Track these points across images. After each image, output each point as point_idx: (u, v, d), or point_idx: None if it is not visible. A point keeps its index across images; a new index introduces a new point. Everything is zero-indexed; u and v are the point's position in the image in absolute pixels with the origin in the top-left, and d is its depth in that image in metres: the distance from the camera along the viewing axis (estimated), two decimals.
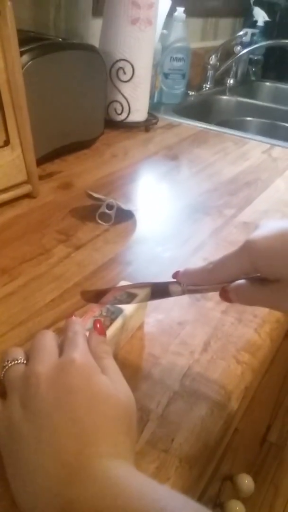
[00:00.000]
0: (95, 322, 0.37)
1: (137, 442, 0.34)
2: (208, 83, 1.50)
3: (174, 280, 0.39)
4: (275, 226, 0.33)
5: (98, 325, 0.37)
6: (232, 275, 0.35)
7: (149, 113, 1.09)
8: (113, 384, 0.32)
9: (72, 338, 0.34)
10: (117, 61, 0.97)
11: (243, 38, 1.55)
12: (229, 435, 0.48)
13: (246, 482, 0.70)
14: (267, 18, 1.65)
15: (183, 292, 0.39)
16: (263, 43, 1.56)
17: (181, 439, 0.35)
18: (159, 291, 0.40)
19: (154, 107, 1.19)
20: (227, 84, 1.57)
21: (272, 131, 1.30)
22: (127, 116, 1.02)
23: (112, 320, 0.40)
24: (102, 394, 0.30)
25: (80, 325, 0.37)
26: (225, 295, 0.36)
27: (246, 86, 1.65)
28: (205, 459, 0.34)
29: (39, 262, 0.54)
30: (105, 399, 0.30)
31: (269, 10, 1.67)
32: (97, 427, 0.28)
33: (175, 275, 0.39)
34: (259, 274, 0.34)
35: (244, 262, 0.33)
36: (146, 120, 1.07)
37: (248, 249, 0.33)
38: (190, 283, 0.38)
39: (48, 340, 0.34)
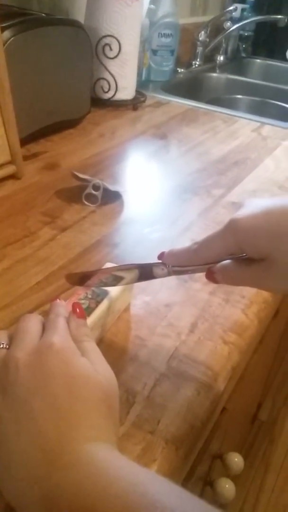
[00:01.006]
0: (73, 305, 0.36)
1: (123, 424, 0.34)
2: (198, 60, 1.47)
3: (160, 261, 0.38)
4: (259, 204, 0.32)
5: (77, 309, 0.36)
6: (217, 254, 0.35)
7: (137, 91, 1.07)
8: (94, 366, 0.31)
9: (53, 321, 0.33)
10: (103, 37, 0.94)
11: (233, 13, 1.51)
12: (216, 415, 0.48)
13: (236, 460, 0.70)
14: None
15: (168, 273, 0.38)
16: (253, 18, 1.53)
17: (167, 420, 0.34)
18: (145, 272, 0.40)
19: (142, 85, 1.17)
20: (217, 61, 1.54)
21: (262, 109, 1.28)
22: (114, 94, 1.00)
23: (97, 303, 0.40)
24: (81, 378, 0.30)
25: (63, 308, 0.36)
26: (211, 276, 0.36)
27: (236, 63, 1.62)
28: (191, 440, 0.34)
29: (24, 245, 0.53)
30: (84, 383, 0.30)
31: None
32: (76, 411, 0.28)
33: (160, 256, 0.38)
34: (244, 254, 0.34)
35: (228, 241, 0.33)
36: (134, 98, 1.05)
37: (233, 228, 0.32)
38: (176, 264, 0.37)
39: (32, 324, 0.34)
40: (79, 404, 0.28)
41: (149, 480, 0.25)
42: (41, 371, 0.29)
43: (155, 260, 0.39)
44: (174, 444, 0.33)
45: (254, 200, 0.33)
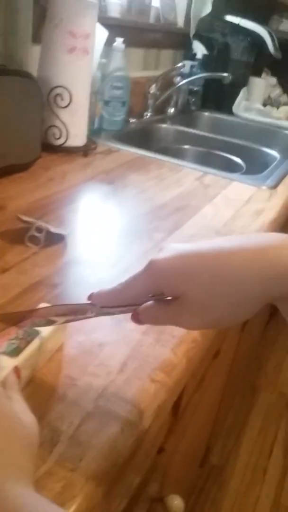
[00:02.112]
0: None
1: (45, 463, 0.34)
2: (149, 111, 1.55)
3: (89, 302, 0.40)
4: (175, 248, 0.36)
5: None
6: (139, 293, 0.37)
7: (89, 139, 1.11)
8: (18, 409, 0.32)
9: None
10: (54, 87, 0.99)
11: (183, 69, 1.62)
12: (151, 453, 0.49)
13: (176, 503, 0.70)
14: (205, 52, 1.74)
15: (97, 314, 0.40)
16: (201, 74, 1.64)
17: (89, 458, 0.35)
18: (75, 312, 0.41)
19: (95, 133, 1.22)
20: (168, 113, 1.63)
21: (207, 159, 1.35)
22: (65, 141, 1.04)
23: (28, 342, 0.41)
24: (7, 416, 0.31)
25: None
26: (136, 317, 0.38)
27: (185, 116, 1.71)
28: (112, 477, 0.35)
29: None
30: (9, 421, 0.31)
31: (207, 44, 1.76)
32: (1, 451, 0.29)
33: (90, 296, 0.40)
34: (163, 295, 0.36)
35: (147, 281, 0.36)
36: (85, 145, 1.09)
37: (151, 268, 0.35)
38: (103, 304, 0.39)
39: None
40: (4, 444, 0.29)
41: None
42: None
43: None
44: (94, 481, 0.34)
45: (172, 244, 0.37)
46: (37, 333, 0.42)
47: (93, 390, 0.42)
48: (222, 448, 1.58)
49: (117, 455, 0.36)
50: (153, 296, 0.38)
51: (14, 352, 0.39)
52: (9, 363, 0.38)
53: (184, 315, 0.35)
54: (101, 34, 1.09)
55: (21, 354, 0.39)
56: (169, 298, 0.37)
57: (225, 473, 1.50)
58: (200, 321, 0.36)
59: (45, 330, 0.43)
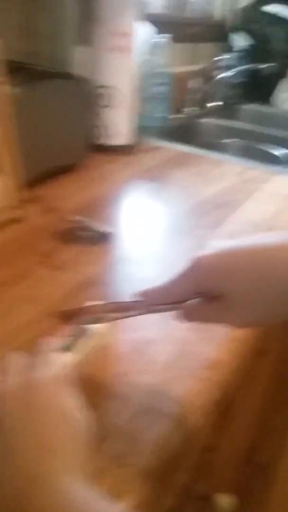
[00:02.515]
0: None
1: (97, 458, 0.36)
2: (189, 106, 1.54)
3: (136, 299, 0.41)
4: (217, 245, 0.36)
5: None
6: (184, 291, 0.38)
7: (131, 137, 1.12)
8: (75, 405, 0.33)
9: (38, 357, 0.36)
10: (99, 87, 1.00)
11: (223, 62, 1.60)
12: (196, 452, 0.50)
13: (225, 501, 0.71)
14: (245, 44, 1.71)
15: (145, 311, 0.41)
16: (242, 67, 1.62)
17: (140, 454, 0.36)
18: (123, 310, 0.43)
19: (138, 131, 1.23)
20: (208, 107, 1.61)
21: (249, 153, 1.34)
22: (109, 140, 1.05)
23: (81, 339, 0.43)
24: (65, 412, 0.32)
25: (47, 345, 0.39)
26: (181, 315, 0.39)
27: (226, 109, 1.69)
28: (163, 473, 0.36)
29: (18, 283, 0.56)
30: (67, 417, 0.32)
31: (246, 36, 1.73)
32: (54, 443, 0.30)
33: (138, 294, 0.41)
34: (208, 292, 0.37)
35: (190, 279, 0.36)
36: (128, 144, 1.10)
37: (194, 266, 0.36)
38: (151, 301, 0.40)
39: (17, 359, 0.36)
40: (59, 437, 0.30)
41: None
42: (25, 405, 0.31)
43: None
44: (145, 477, 0.35)
45: (214, 242, 0.37)
46: (89, 330, 0.44)
47: (142, 387, 0.43)
48: (268, 447, 1.56)
49: (167, 452, 0.37)
50: (198, 293, 0.39)
51: (69, 348, 0.41)
52: (64, 358, 0.40)
53: (229, 312, 0.36)
54: (143, 31, 1.09)
55: (75, 350, 0.41)
56: (214, 295, 0.37)
57: (270, 472, 1.48)
58: (245, 318, 0.36)
59: (96, 328, 0.44)
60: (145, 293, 0.40)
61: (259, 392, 1.02)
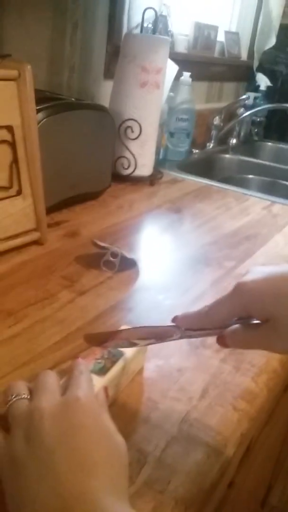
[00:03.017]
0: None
1: (134, 483, 0.34)
2: (212, 142, 1.57)
3: (173, 324, 0.41)
4: (262, 270, 0.36)
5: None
6: (226, 317, 0.37)
7: (155, 169, 1.14)
8: (112, 429, 0.33)
9: (77, 377, 0.36)
10: (126, 120, 1.03)
11: (246, 101, 1.64)
12: (225, 484, 0.48)
13: None
14: (269, 83, 1.76)
15: (181, 336, 0.40)
16: (265, 106, 1.65)
17: (177, 481, 0.35)
18: (158, 334, 0.42)
19: (160, 163, 1.25)
20: (230, 144, 1.64)
21: (272, 189, 1.35)
22: (134, 171, 1.07)
23: (113, 363, 0.42)
24: (106, 432, 0.32)
25: (85, 367, 0.38)
26: (222, 340, 0.38)
27: (248, 146, 1.72)
28: (200, 502, 0.35)
29: (44, 306, 0.56)
30: (108, 438, 0.32)
31: (271, 76, 1.78)
32: (97, 463, 0.29)
33: (174, 319, 0.40)
34: (251, 318, 0.36)
35: (235, 304, 0.36)
36: (151, 175, 1.12)
37: (239, 291, 0.35)
38: (188, 326, 0.40)
39: (51, 379, 0.36)
40: (100, 456, 0.30)
41: None
42: (67, 423, 0.31)
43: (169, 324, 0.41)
44: (183, 505, 0.34)
45: (257, 267, 0.37)
46: (121, 354, 0.43)
47: (176, 414, 0.42)
48: (283, 490, 1.50)
49: (204, 481, 0.36)
50: (239, 319, 0.38)
51: (101, 371, 0.40)
52: (97, 381, 0.39)
53: (275, 338, 0.35)
54: (171, 69, 1.13)
55: (108, 373, 0.40)
56: (257, 321, 0.36)
57: None
58: None
59: (128, 352, 0.43)
60: (183, 318, 0.40)
61: (280, 429, 0.99)
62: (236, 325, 0.37)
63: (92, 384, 0.37)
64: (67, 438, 0.30)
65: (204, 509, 0.36)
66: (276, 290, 0.34)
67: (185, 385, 0.46)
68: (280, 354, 0.49)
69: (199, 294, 0.64)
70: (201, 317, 0.39)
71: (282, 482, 1.51)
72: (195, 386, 0.46)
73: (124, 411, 0.41)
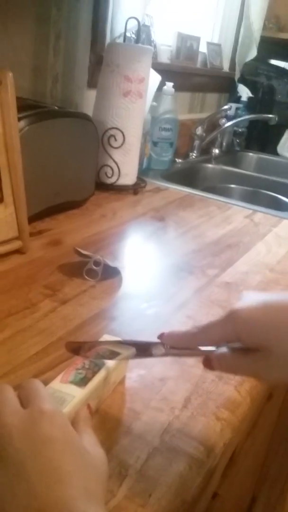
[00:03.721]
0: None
1: (115, 496, 0.34)
2: (195, 152, 1.58)
3: (158, 341, 0.40)
4: (257, 298, 0.35)
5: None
6: (215, 341, 0.37)
7: (138, 178, 1.14)
8: (87, 441, 0.33)
9: (36, 390, 0.35)
10: (109, 129, 1.03)
11: (228, 111, 1.66)
12: (208, 495, 0.47)
13: None
14: (250, 94, 1.78)
15: (166, 354, 0.40)
16: (246, 116, 1.67)
17: (159, 494, 0.34)
18: (142, 350, 0.41)
19: (143, 173, 1.25)
20: (213, 153, 1.65)
21: (254, 198, 1.36)
22: (117, 180, 1.07)
23: (94, 373, 0.41)
24: (77, 443, 0.32)
25: (39, 382, 0.37)
26: (208, 363, 0.38)
27: (230, 156, 1.74)
28: None
29: (25, 316, 0.55)
30: (79, 448, 0.31)
31: (252, 87, 1.80)
32: (69, 472, 0.29)
33: (160, 336, 0.40)
34: (240, 344, 0.36)
35: (228, 330, 0.35)
36: (135, 184, 1.12)
37: (233, 318, 0.35)
38: (174, 345, 0.39)
39: (10, 394, 0.35)
40: (73, 466, 0.29)
41: None
42: (36, 436, 0.30)
43: (152, 335, 0.40)
44: None
45: (251, 293, 0.37)
46: (103, 364, 0.42)
47: (158, 425, 0.41)
48: (267, 501, 1.50)
49: (186, 493, 0.35)
50: (228, 343, 0.38)
51: (82, 382, 0.40)
52: (78, 392, 0.38)
53: (268, 368, 0.35)
54: (153, 78, 1.13)
55: (88, 384, 0.39)
56: (250, 348, 0.36)
57: None
58: (284, 374, 0.35)
59: (110, 362, 0.43)
60: (170, 336, 0.39)
61: (262, 440, 0.99)
62: (224, 349, 0.37)
63: (52, 396, 0.36)
64: (37, 451, 0.29)
65: None
66: (270, 320, 0.34)
67: (167, 395, 0.45)
68: (270, 382, 0.49)
69: (182, 302, 0.64)
70: (189, 337, 0.38)
71: (266, 493, 1.51)
72: (178, 396, 0.45)
73: (106, 422, 0.41)
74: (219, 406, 0.44)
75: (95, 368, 0.42)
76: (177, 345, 0.39)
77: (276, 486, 1.54)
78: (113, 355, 0.43)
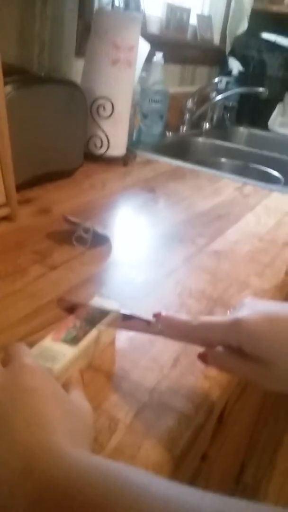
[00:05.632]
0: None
1: (104, 449, 0.34)
2: (185, 125, 1.56)
3: (153, 319, 0.40)
4: (262, 309, 0.36)
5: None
6: (213, 340, 0.38)
7: (128, 149, 1.13)
8: (73, 395, 0.34)
9: (17, 349, 0.35)
10: (97, 98, 1.01)
11: (219, 85, 1.64)
12: (198, 455, 0.48)
13: None
14: (241, 68, 1.76)
15: (155, 333, 0.40)
16: (237, 90, 1.65)
17: (148, 447, 0.35)
18: (137, 324, 0.42)
19: (133, 145, 1.23)
20: (203, 128, 1.64)
21: (244, 172, 1.35)
22: (106, 150, 1.05)
23: (85, 332, 0.41)
24: (59, 392, 0.32)
25: (22, 344, 0.38)
26: (204, 358, 0.39)
27: (220, 130, 1.72)
28: (172, 467, 0.35)
29: (14, 280, 0.55)
30: (62, 397, 0.32)
31: (243, 61, 1.78)
32: (53, 419, 0.29)
33: (157, 316, 0.40)
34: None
35: (230, 338, 0.36)
36: (125, 155, 1.11)
37: (237, 327, 0.35)
38: (170, 329, 0.40)
39: None
40: (56, 413, 0.30)
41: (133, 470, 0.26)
42: (17, 388, 0.31)
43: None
44: (154, 470, 0.33)
45: (255, 302, 0.37)
46: (93, 324, 0.42)
47: (147, 383, 0.42)
48: (256, 467, 1.53)
49: (175, 447, 0.36)
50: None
51: (73, 341, 0.40)
52: (69, 351, 0.38)
53: (266, 378, 0.36)
54: (143, 47, 1.11)
55: (79, 343, 0.40)
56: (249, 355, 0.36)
57: (259, 493, 1.45)
58: (283, 384, 0.35)
59: (100, 323, 0.43)
60: (167, 319, 0.40)
61: (252, 408, 1.00)
62: (220, 348, 0.38)
63: (29, 352, 0.37)
64: (20, 401, 0.30)
65: (177, 477, 0.36)
66: (275, 336, 0.34)
67: (156, 356, 0.45)
68: (268, 389, 0.50)
69: (172, 269, 0.64)
70: (187, 328, 0.39)
71: (256, 460, 1.55)
72: (167, 356, 0.46)
73: (95, 380, 0.41)
74: (207, 366, 0.45)
75: (86, 327, 0.42)
76: (172, 329, 0.40)
77: (265, 455, 1.58)
78: (103, 314, 0.43)
